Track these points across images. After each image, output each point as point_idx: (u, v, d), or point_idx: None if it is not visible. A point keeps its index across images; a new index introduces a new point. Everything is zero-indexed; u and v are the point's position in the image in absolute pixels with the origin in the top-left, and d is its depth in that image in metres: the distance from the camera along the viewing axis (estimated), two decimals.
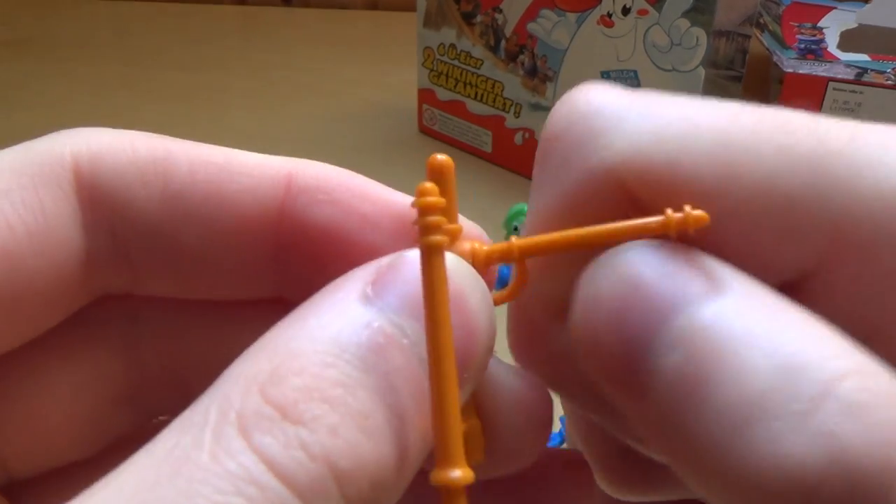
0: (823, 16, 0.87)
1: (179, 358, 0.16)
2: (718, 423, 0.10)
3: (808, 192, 0.11)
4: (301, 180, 0.15)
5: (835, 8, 0.88)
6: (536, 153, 0.14)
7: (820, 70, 0.77)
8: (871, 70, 0.77)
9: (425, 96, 0.79)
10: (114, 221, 0.13)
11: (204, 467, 0.10)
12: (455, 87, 0.76)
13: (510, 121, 0.73)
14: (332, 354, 0.11)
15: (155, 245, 0.14)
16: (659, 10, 0.60)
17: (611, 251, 0.12)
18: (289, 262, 0.15)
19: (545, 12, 0.67)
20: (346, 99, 0.88)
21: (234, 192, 0.14)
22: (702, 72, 0.60)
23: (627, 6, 0.62)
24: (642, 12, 0.61)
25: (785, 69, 0.78)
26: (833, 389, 0.09)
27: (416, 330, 0.12)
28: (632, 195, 0.12)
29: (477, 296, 0.13)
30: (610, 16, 0.63)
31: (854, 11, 0.85)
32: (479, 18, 0.71)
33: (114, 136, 0.14)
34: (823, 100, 0.77)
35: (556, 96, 0.69)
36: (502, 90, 0.72)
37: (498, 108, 0.73)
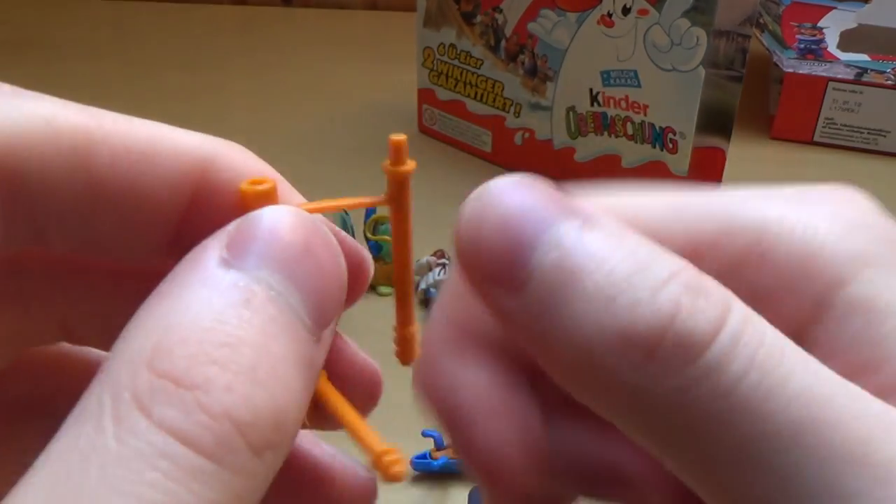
0: (823, 16, 0.87)
1: (67, 312, 0.17)
2: (588, 302, 0.13)
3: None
4: (213, 175, 0.15)
5: (835, 8, 0.88)
6: None
7: (820, 70, 0.77)
8: (871, 70, 0.77)
9: (425, 96, 0.79)
10: (34, 209, 0.14)
11: (114, 453, 0.11)
12: (455, 87, 0.76)
13: (510, 121, 0.73)
14: (210, 320, 0.12)
15: (71, 227, 0.14)
16: (659, 9, 0.60)
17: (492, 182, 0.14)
18: (192, 234, 0.15)
19: (545, 12, 0.67)
20: (346, 99, 0.88)
21: (151, 184, 0.14)
22: (702, 72, 0.60)
23: (627, 6, 0.62)
24: (642, 12, 0.61)
25: (785, 69, 0.78)
26: (675, 277, 0.13)
27: (280, 281, 0.13)
28: None
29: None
30: (610, 15, 0.63)
31: (854, 11, 0.85)
32: (479, 18, 0.71)
33: (35, 119, 0.14)
34: (823, 100, 0.77)
35: (555, 96, 0.69)
36: (502, 90, 0.72)
37: (498, 108, 0.73)
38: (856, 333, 0.14)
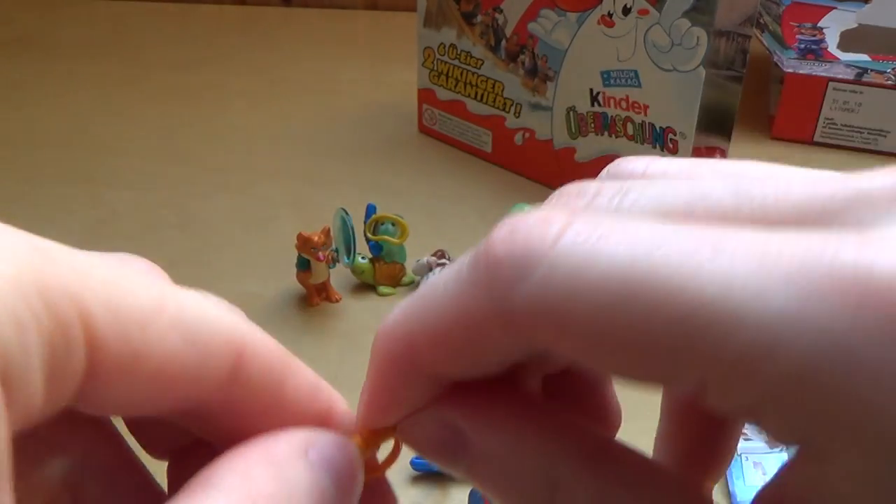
0: (823, 16, 0.87)
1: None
2: None
3: (677, 343, 0.14)
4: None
5: (835, 8, 0.88)
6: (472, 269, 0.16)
7: (820, 70, 0.77)
8: (871, 70, 0.77)
9: (425, 96, 0.79)
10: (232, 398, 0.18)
11: None
12: (455, 87, 0.76)
13: (510, 121, 0.73)
14: None
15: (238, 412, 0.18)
16: (659, 9, 0.60)
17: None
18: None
19: (545, 12, 0.67)
20: (346, 99, 0.88)
21: (286, 399, 0.19)
22: (702, 72, 0.60)
23: (628, 6, 0.62)
24: (643, 12, 0.61)
25: (785, 69, 0.78)
26: None
27: (334, 495, 0.18)
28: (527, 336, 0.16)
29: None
30: (610, 15, 0.63)
31: (854, 11, 0.85)
32: (479, 18, 0.71)
33: (263, 343, 0.18)
34: (823, 100, 0.77)
35: (556, 96, 0.69)
36: (502, 90, 0.72)
37: (498, 108, 0.73)
38: None
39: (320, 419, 0.19)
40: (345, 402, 0.20)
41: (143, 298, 0.16)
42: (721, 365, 0.14)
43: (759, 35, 0.86)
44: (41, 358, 0.14)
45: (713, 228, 0.14)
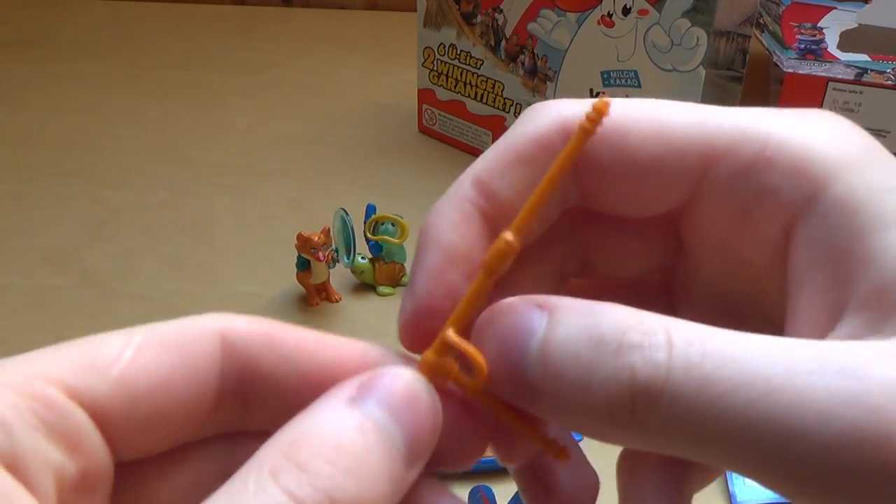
0: (823, 16, 0.87)
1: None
2: (579, 394, 0.17)
3: (688, 141, 0.20)
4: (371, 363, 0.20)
5: (835, 8, 0.88)
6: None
7: (820, 70, 0.77)
8: (871, 70, 0.77)
9: (425, 96, 0.79)
10: (242, 374, 0.19)
11: (250, 499, 0.16)
12: (455, 87, 0.76)
13: (510, 121, 0.73)
14: (330, 433, 0.17)
15: (267, 393, 0.20)
16: (659, 10, 0.60)
17: (482, 319, 0.19)
18: None
19: (545, 12, 0.67)
20: (346, 99, 0.88)
21: (326, 363, 0.20)
22: (702, 72, 0.60)
23: (628, 6, 0.62)
24: (642, 12, 0.61)
25: (785, 69, 0.78)
26: (623, 339, 0.16)
27: (387, 418, 0.17)
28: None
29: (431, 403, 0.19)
30: (610, 16, 0.63)
31: (854, 11, 0.85)
32: (479, 18, 0.71)
33: (246, 318, 0.20)
34: (823, 100, 0.77)
35: (556, 96, 0.69)
36: (502, 90, 0.72)
37: (498, 108, 0.73)
38: (834, 225, 0.18)
39: (355, 365, 0.19)
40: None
41: (106, 350, 0.18)
42: None
43: (759, 35, 0.86)
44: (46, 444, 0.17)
45: None
